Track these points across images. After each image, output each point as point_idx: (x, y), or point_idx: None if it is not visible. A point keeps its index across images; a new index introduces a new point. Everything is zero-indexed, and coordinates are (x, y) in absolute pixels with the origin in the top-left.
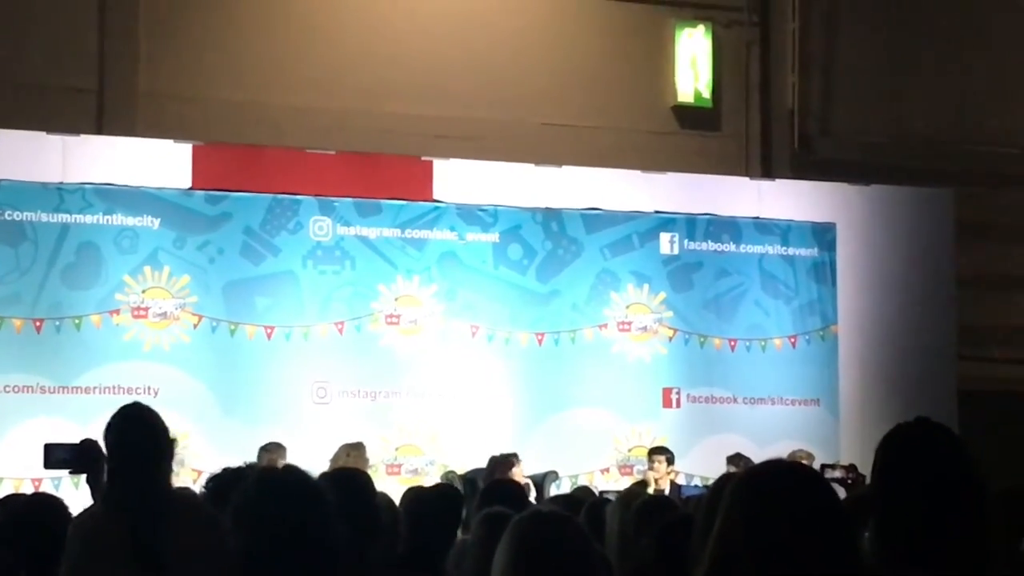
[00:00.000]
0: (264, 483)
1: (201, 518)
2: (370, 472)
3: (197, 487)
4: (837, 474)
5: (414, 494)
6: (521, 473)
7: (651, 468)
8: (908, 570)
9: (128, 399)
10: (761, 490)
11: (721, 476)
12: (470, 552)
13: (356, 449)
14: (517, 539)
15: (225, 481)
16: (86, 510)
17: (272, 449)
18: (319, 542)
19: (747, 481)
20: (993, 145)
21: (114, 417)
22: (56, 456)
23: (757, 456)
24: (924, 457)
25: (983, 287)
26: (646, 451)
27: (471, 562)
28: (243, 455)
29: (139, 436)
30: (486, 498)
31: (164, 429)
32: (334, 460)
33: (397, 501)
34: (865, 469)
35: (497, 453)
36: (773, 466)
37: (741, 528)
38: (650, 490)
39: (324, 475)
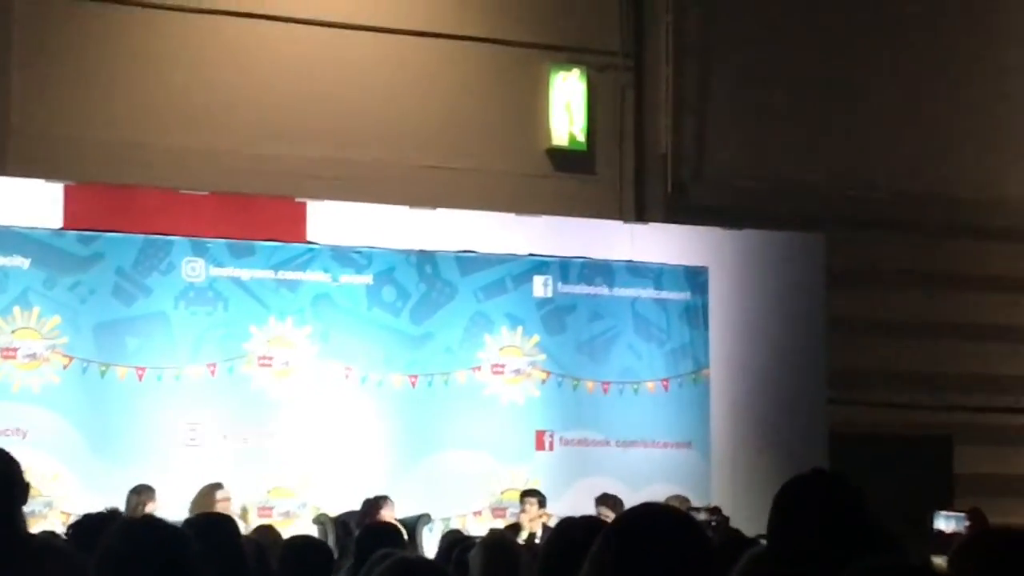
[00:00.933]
0: (127, 532)
1: (62, 564)
2: (240, 514)
3: (65, 530)
4: (703, 516)
5: (289, 542)
6: (392, 515)
7: (523, 511)
8: None
9: None
10: (634, 534)
11: (561, 520)
12: None
13: (212, 488)
14: None
15: (89, 526)
16: None
17: (141, 491)
18: None
19: (621, 526)
20: (863, 190)
21: None
22: None
23: (628, 498)
24: (819, 502)
25: (853, 331)
26: (519, 494)
27: None
28: (114, 497)
29: None
30: (363, 541)
31: (17, 472)
32: (193, 501)
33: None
34: (737, 510)
35: (370, 496)
36: (645, 510)
37: (612, 571)
38: (523, 533)
39: (188, 522)
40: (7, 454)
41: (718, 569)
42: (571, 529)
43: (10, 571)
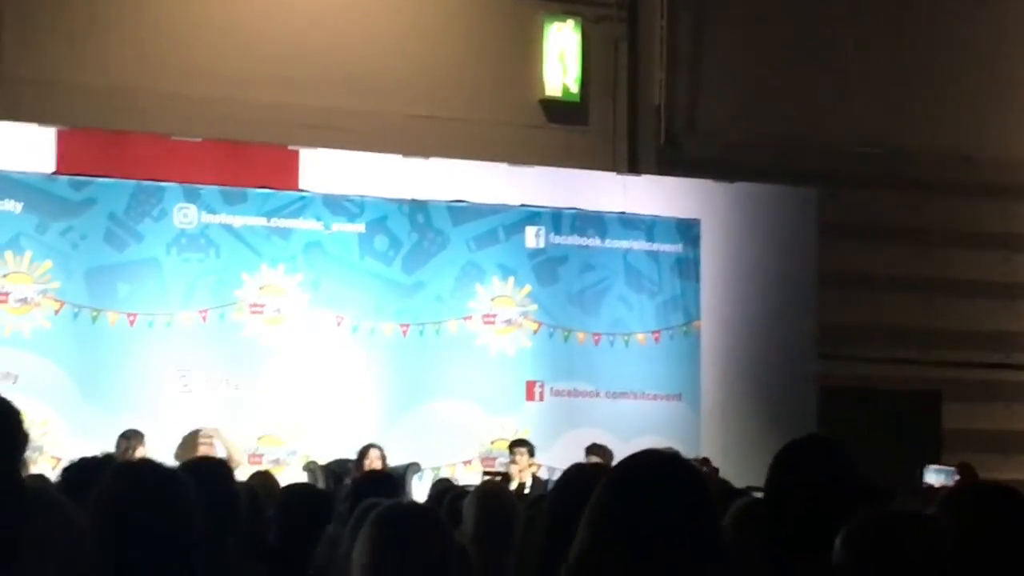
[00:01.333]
0: (123, 474)
1: (56, 508)
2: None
3: (56, 474)
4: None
5: (287, 490)
6: (377, 460)
7: (513, 461)
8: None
9: None
10: (634, 481)
11: (570, 467)
12: (347, 541)
13: (194, 435)
14: (377, 531)
15: (82, 470)
16: None
17: (131, 436)
18: (176, 534)
19: (621, 472)
20: (856, 145)
21: None
22: None
23: (617, 449)
24: (814, 462)
25: (844, 285)
26: (508, 444)
27: (347, 552)
28: (104, 442)
29: None
30: (359, 489)
31: (16, 423)
32: (181, 446)
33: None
34: (726, 462)
35: (361, 444)
36: (646, 456)
37: (618, 517)
38: (513, 483)
39: (184, 465)
40: (9, 404)
41: (716, 515)
42: (580, 476)
43: (7, 523)
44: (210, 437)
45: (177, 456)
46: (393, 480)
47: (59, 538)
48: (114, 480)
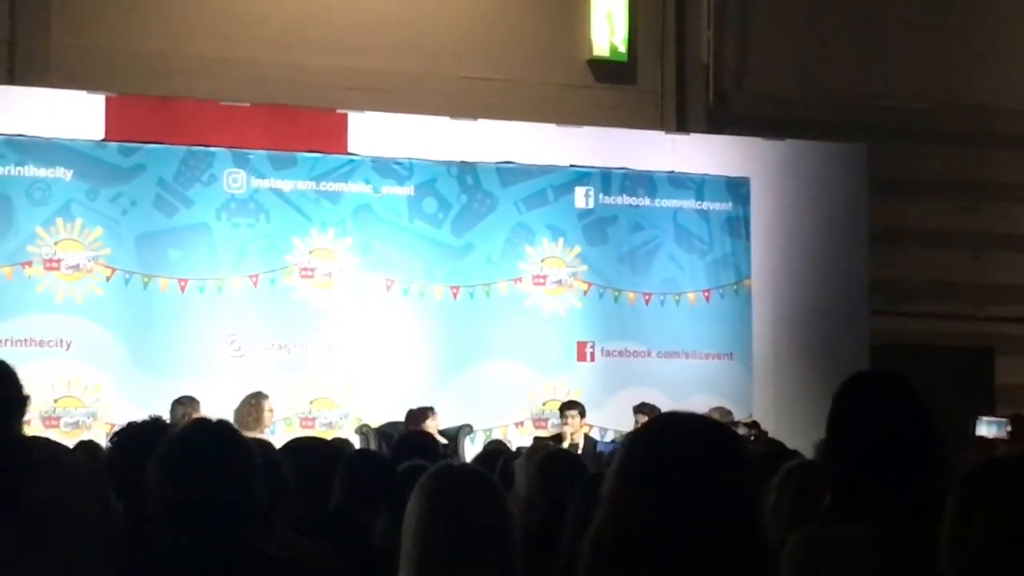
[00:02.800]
0: (195, 434)
1: (60, 469)
2: (283, 424)
3: (108, 438)
4: (741, 430)
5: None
6: (436, 426)
7: (565, 423)
8: (853, 523)
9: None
10: (659, 440)
11: (628, 434)
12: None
13: (256, 398)
14: (428, 495)
15: (133, 435)
16: None
17: (186, 402)
18: (240, 501)
19: (645, 432)
20: (906, 100)
21: None
22: None
23: (668, 408)
24: (879, 409)
25: (896, 242)
26: (559, 405)
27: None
28: (156, 408)
29: None
30: (399, 450)
31: (12, 387)
32: (236, 411)
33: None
34: (779, 422)
35: (413, 406)
36: (671, 416)
37: (636, 477)
38: (565, 444)
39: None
40: (5, 364)
41: (753, 477)
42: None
43: (7, 478)
44: (271, 407)
45: (235, 421)
46: (433, 442)
47: (62, 490)
48: (184, 438)
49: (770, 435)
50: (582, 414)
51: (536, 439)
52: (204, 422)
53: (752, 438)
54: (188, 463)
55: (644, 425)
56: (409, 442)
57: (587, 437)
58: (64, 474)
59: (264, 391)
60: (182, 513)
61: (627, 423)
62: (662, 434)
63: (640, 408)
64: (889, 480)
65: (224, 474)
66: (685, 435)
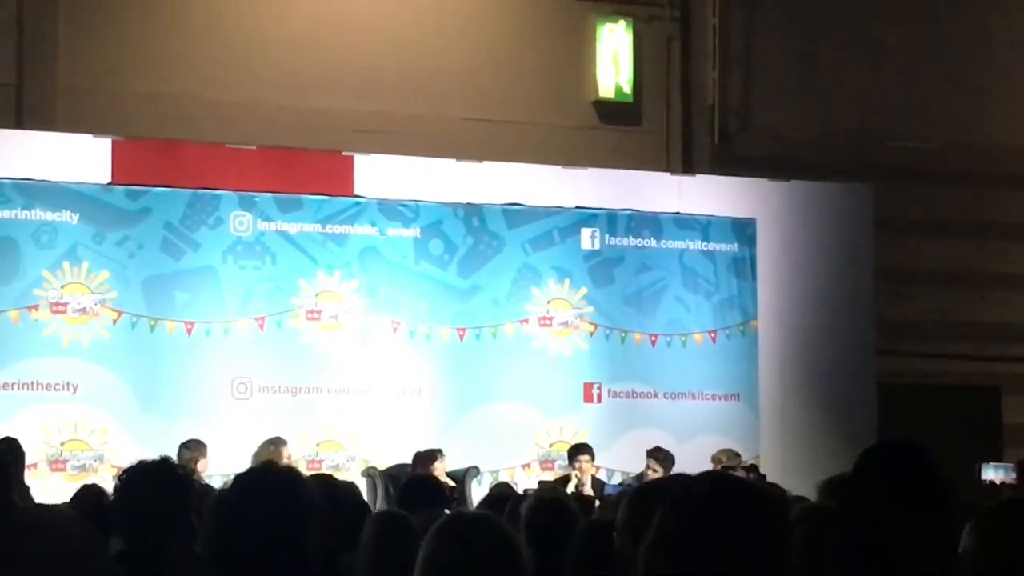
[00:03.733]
0: (260, 479)
1: (50, 539)
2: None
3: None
4: (739, 475)
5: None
6: (443, 468)
7: (576, 468)
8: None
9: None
10: (697, 504)
11: (634, 489)
12: (362, 551)
13: (275, 444)
14: (441, 543)
15: (140, 474)
16: None
17: (192, 447)
18: (296, 539)
19: (685, 494)
20: (912, 140)
21: None
22: None
23: (676, 450)
24: (898, 474)
25: (902, 282)
26: (567, 447)
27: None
28: (162, 451)
29: None
30: (405, 496)
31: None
32: (256, 456)
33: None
34: (786, 462)
35: (420, 449)
36: (710, 478)
37: (676, 547)
38: (571, 487)
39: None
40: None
41: (788, 537)
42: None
43: None
44: (279, 446)
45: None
46: (439, 485)
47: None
48: (246, 486)
49: (777, 476)
50: (592, 457)
51: (541, 483)
52: (271, 467)
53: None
54: (250, 509)
55: (676, 496)
56: (415, 488)
57: (594, 479)
58: (52, 547)
59: (282, 436)
60: (235, 558)
61: (633, 464)
62: (707, 508)
63: (653, 453)
64: (901, 557)
65: (284, 524)
66: (722, 502)
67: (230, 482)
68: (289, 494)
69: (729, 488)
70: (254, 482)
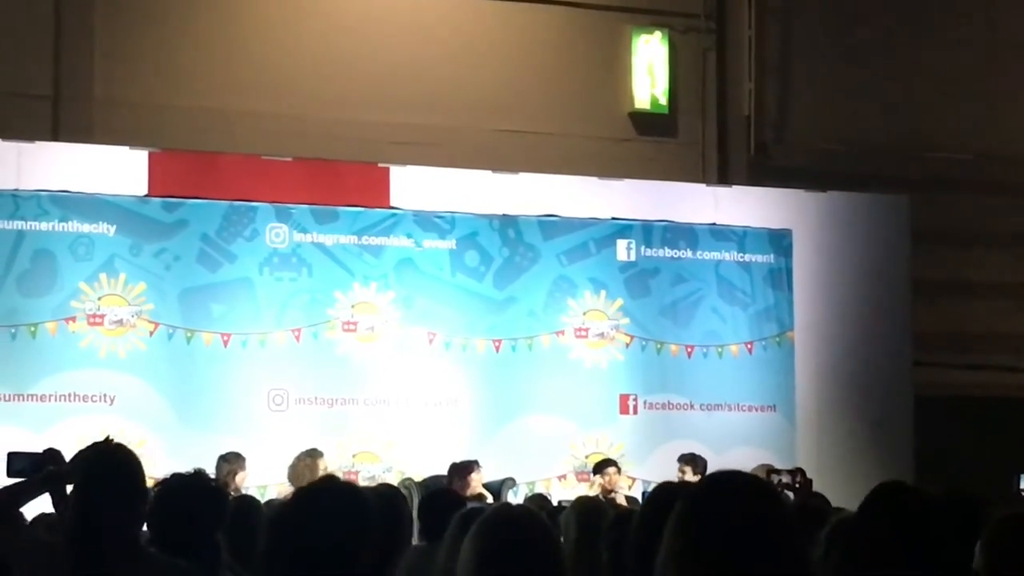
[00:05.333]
0: (309, 497)
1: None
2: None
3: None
4: (785, 479)
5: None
6: (480, 480)
7: (605, 479)
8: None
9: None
10: (709, 507)
11: (658, 486)
12: (445, 552)
13: (312, 456)
14: (484, 537)
15: (175, 486)
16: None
17: (231, 459)
18: (355, 554)
19: (695, 498)
20: (948, 151)
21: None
22: (18, 465)
23: (713, 462)
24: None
25: (938, 293)
26: (603, 458)
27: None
28: (199, 463)
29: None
30: (426, 509)
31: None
32: (292, 468)
33: None
34: (822, 474)
35: (456, 460)
36: (720, 477)
37: (692, 545)
38: (595, 491)
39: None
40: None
41: (795, 536)
42: (666, 497)
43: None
44: (315, 458)
45: (290, 478)
46: (457, 497)
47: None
48: (299, 503)
49: (812, 487)
50: (619, 470)
51: (580, 496)
52: (331, 480)
53: (796, 486)
54: (311, 521)
55: (693, 488)
56: (435, 504)
57: (628, 498)
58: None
59: (318, 448)
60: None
61: (670, 476)
62: (708, 498)
63: (684, 459)
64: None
65: (342, 538)
66: (730, 500)
67: (281, 496)
68: (352, 513)
69: (722, 484)
70: (317, 499)
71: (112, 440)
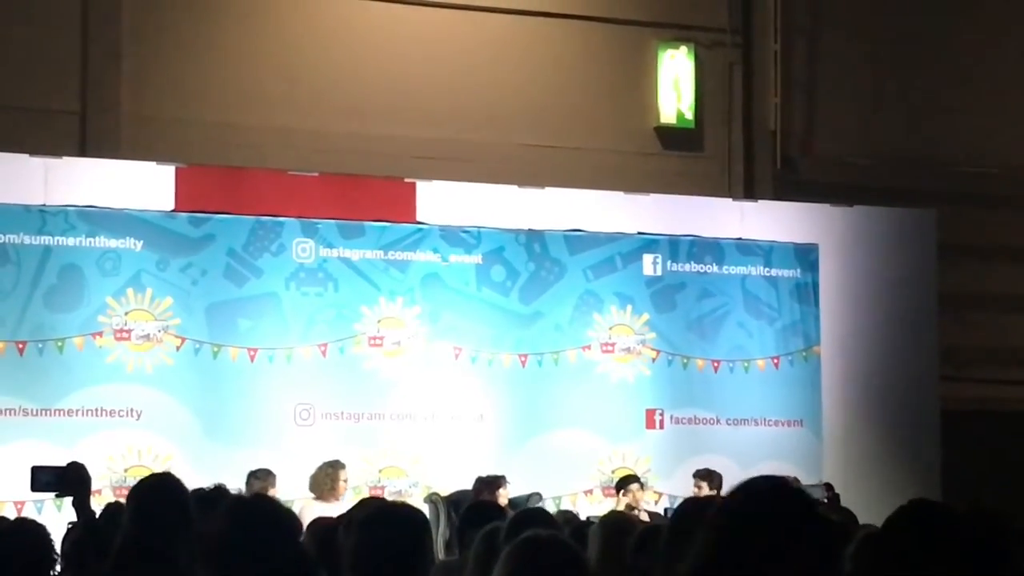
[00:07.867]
0: (379, 516)
1: None
2: (352, 493)
3: None
4: (816, 494)
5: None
6: (507, 495)
7: (628, 496)
8: None
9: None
10: (744, 510)
11: (686, 500)
12: (471, 571)
13: (333, 467)
14: (515, 563)
15: (196, 503)
16: None
17: (262, 476)
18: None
19: (732, 501)
20: (974, 165)
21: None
22: (42, 479)
23: (740, 477)
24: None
25: (965, 307)
26: (630, 472)
27: None
28: (226, 478)
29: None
30: (467, 521)
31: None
32: (313, 479)
33: None
34: (848, 488)
35: (484, 474)
36: (756, 486)
37: (726, 547)
38: (621, 505)
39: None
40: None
41: (830, 546)
42: (695, 510)
43: None
44: (336, 469)
45: (311, 487)
46: (500, 511)
47: None
48: (226, 516)
49: (840, 503)
50: (642, 486)
51: (611, 511)
52: (388, 507)
53: (826, 500)
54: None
55: (728, 495)
56: (477, 513)
57: (651, 514)
58: None
59: (340, 460)
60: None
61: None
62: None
63: (700, 474)
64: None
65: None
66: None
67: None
68: (416, 537)
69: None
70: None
71: (168, 473)
